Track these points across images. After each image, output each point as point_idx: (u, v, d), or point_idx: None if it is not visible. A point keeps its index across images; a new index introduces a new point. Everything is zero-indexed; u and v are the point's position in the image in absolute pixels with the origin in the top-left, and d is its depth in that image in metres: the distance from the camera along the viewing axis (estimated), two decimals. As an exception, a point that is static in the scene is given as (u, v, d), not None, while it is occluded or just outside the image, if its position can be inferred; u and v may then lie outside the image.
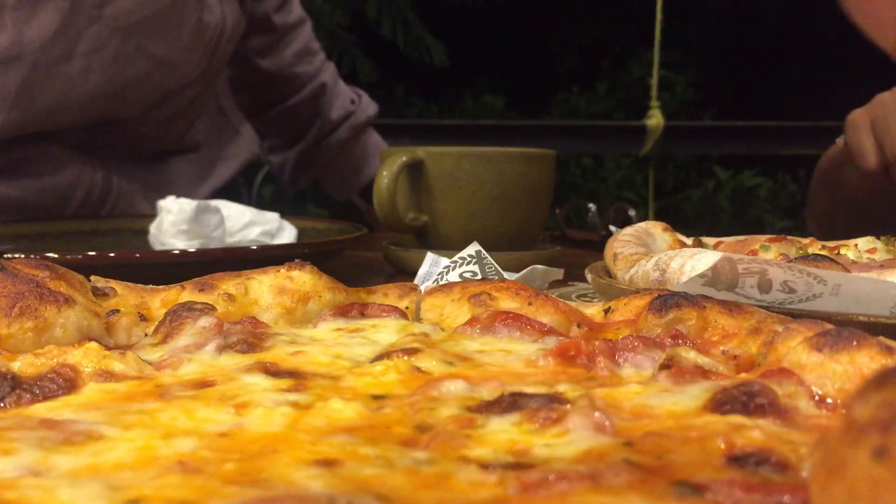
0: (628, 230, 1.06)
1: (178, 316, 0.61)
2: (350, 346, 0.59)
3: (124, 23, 1.45)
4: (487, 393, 0.49)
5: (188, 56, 1.60)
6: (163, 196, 1.33)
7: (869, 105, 1.33)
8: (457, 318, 0.66)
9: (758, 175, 6.64)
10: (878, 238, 1.04)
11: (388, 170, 1.20)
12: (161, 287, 0.69)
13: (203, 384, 0.50)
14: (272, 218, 1.38)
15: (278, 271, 0.69)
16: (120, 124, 1.64)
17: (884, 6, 1.31)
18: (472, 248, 0.95)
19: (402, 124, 4.38)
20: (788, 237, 1.06)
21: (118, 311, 0.63)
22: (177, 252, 1.16)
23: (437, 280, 0.94)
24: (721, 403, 0.46)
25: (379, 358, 0.55)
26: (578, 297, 1.02)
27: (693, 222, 6.33)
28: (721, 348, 0.58)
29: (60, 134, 1.57)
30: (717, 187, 6.70)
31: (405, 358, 0.54)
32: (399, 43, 5.49)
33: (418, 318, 0.69)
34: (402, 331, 0.62)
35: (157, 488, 0.36)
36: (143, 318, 0.64)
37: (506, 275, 0.93)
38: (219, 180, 1.93)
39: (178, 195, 1.32)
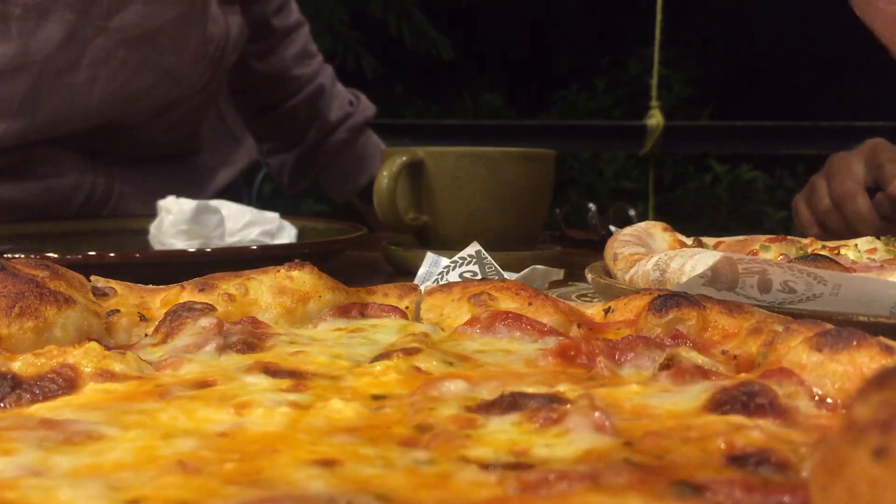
0: (628, 230, 1.06)
1: (178, 316, 0.61)
2: (350, 346, 0.59)
3: (130, 34, 1.45)
4: (487, 393, 0.49)
5: (193, 67, 1.61)
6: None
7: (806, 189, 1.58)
8: (457, 318, 0.66)
9: (754, 169, 6.65)
10: (878, 238, 1.04)
11: (388, 170, 1.20)
12: (161, 287, 0.69)
13: (203, 384, 0.50)
14: (272, 218, 1.37)
15: (278, 271, 0.69)
16: (123, 130, 1.64)
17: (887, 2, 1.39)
18: (472, 248, 0.95)
19: (401, 124, 4.38)
20: (788, 237, 1.06)
21: (118, 311, 0.63)
22: (177, 252, 1.17)
23: (437, 280, 0.94)
24: (721, 403, 0.46)
25: (379, 358, 0.55)
26: (578, 297, 1.02)
27: (692, 216, 6.34)
28: (721, 348, 0.58)
29: (63, 138, 1.57)
30: (714, 181, 6.70)
31: (405, 358, 0.54)
32: (405, 39, 5.49)
33: (418, 318, 0.69)
34: (402, 331, 0.62)
35: (157, 488, 0.36)
36: (144, 318, 0.64)
37: (506, 275, 0.93)
38: (219, 184, 1.93)
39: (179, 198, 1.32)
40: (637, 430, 0.43)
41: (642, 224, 1.10)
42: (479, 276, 0.91)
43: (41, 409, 0.47)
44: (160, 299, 0.67)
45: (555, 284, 1.05)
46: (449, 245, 1.17)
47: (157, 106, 1.63)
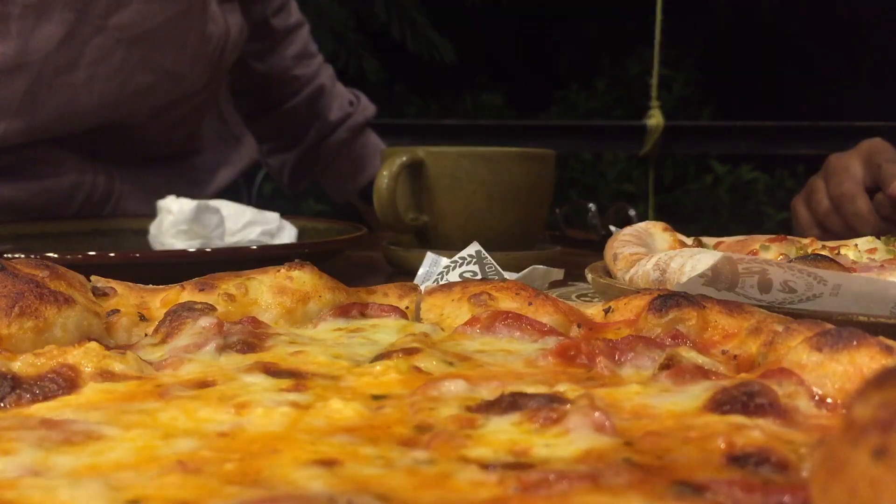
0: (628, 230, 1.06)
1: (178, 316, 0.61)
2: (350, 346, 0.59)
3: (129, 34, 1.45)
4: (487, 393, 0.49)
5: (193, 67, 1.60)
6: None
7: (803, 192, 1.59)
8: (457, 318, 0.66)
9: (755, 169, 6.65)
10: (878, 238, 1.04)
11: (388, 170, 1.20)
12: (161, 287, 0.69)
13: (203, 384, 0.50)
14: (272, 218, 1.37)
15: (278, 271, 0.69)
16: (122, 130, 1.64)
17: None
18: (472, 248, 0.95)
19: (402, 124, 4.38)
20: (788, 237, 1.06)
21: (118, 311, 0.63)
22: (177, 252, 1.17)
23: (437, 280, 0.94)
24: (721, 403, 0.46)
25: (379, 358, 0.55)
26: (578, 297, 1.02)
27: (693, 217, 6.34)
28: (721, 348, 0.58)
29: (63, 138, 1.57)
30: (715, 181, 6.71)
31: (405, 358, 0.54)
32: (408, 43, 5.51)
33: (418, 318, 0.69)
34: (402, 331, 0.62)
35: (157, 488, 0.36)
36: (144, 318, 0.64)
37: (506, 275, 0.93)
38: (219, 184, 1.93)
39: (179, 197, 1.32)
40: (637, 430, 0.43)
41: (642, 224, 1.10)
42: (479, 276, 0.92)
43: (41, 409, 0.47)
44: (160, 299, 0.67)
45: (555, 284, 1.05)
46: (449, 245, 1.17)
47: (156, 105, 1.63)
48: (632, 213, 1.63)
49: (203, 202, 1.29)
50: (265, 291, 0.67)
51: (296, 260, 0.71)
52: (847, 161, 1.48)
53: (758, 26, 7.07)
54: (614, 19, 6.94)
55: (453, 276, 0.93)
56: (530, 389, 0.48)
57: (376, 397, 0.49)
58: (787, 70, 6.97)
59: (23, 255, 0.98)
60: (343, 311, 0.66)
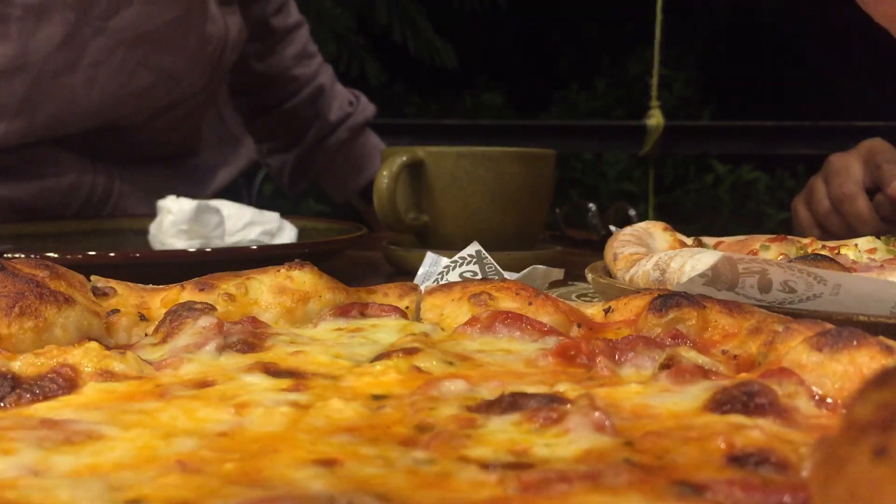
0: (628, 230, 1.06)
1: (178, 316, 0.61)
2: (350, 345, 0.59)
3: (129, 35, 1.45)
4: (487, 393, 0.49)
5: (192, 68, 1.61)
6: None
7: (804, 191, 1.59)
8: (457, 318, 0.66)
9: (755, 169, 6.65)
10: (878, 238, 1.04)
11: (388, 170, 1.20)
12: (161, 287, 0.69)
13: (203, 384, 0.50)
14: (272, 218, 1.37)
15: (278, 271, 0.69)
16: (122, 130, 1.64)
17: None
18: (472, 248, 0.95)
19: (401, 124, 4.39)
20: (788, 237, 1.06)
21: (118, 310, 0.63)
22: (177, 252, 1.16)
23: (437, 280, 0.94)
24: (721, 403, 0.46)
25: (379, 358, 0.55)
26: (578, 297, 1.02)
27: (693, 216, 6.34)
28: (721, 348, 0.58)
29: (63, 138, 1.57)
30: (715, 181, 6.71)
31: (405, 358, 0.54)
32: (409, 46, 5.52)
33: (418, 318, 0.69)
34: (403, 330, 0.62)
35: (157, 488, 0.36)
36: (143, 318, 0.64)
37: (506, 275, 0.93)
38: (219, 184, 1.93)
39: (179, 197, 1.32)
40: (637, 429, 0.43)
41: (642, 224, 1.10)
42: (479, 276, 0.91)
43: (41, 409, 0.47)
44: (160, 299, 0.67)
45: (555, 284, 1.05)
46: (449, 245, 1.17)
47: (156, 106, 1.63)
48: (632, 213, 1.63)
49: (203, 202, 1.29)
50: (265, 291, 0.67)
51: (296, 260, 0.70)
52: (847, 161, 1.48)
53: (758, 26, 7.07)
54: (614, 19, 6.94)
55: (453, 276, 0.93)
56: (530, 389, 0.48)
57: (376, 397, 0.49)
58: (787, 70, 6.97)
59: (23, 255, 0.98)
60: (343, 311, 0.66)
